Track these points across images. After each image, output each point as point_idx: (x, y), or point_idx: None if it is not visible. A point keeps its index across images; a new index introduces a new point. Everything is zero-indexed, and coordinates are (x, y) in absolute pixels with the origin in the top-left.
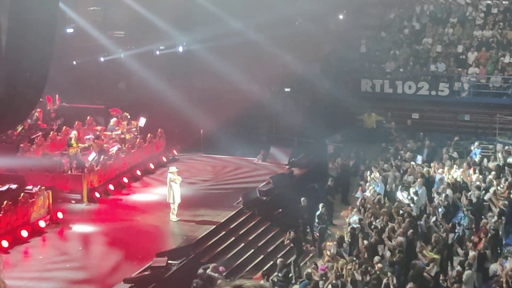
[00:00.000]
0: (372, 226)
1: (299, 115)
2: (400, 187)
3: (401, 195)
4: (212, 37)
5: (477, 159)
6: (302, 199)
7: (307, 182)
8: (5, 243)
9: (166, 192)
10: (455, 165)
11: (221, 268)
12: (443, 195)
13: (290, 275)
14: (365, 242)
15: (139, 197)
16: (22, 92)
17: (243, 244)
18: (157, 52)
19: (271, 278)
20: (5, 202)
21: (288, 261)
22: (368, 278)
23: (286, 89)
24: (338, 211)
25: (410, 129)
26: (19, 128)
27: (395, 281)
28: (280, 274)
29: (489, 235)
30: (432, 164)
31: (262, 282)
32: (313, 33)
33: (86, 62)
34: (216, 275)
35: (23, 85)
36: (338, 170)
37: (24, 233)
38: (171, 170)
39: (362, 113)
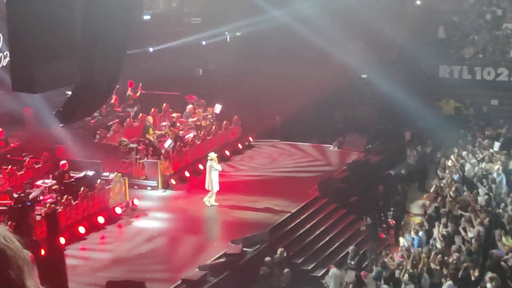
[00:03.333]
0: (450, 215)
1: (376, 102)
2: (478, 175)
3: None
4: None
5: None
6: (379, 186)
7: (383, 170)
8: (82, 229)
9: (207, 178)
10: None
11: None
12: None
13: (366, 262)
14: (443, 231)
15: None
16: (98, 80)
17: (318, 232)
18: (238, 33)
19: (344, 267)
20: (82, 188)
21: (363, 249)
22: (445, 268)
23: (363, 76)
24: (415, 199)
25: (489, 116)
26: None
27: (476, 273)
28: (352, 262)
29: None
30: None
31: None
32: (390, 19)
33: (162, 49)
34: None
35: (98, 73)
36: (416, 157)
37: (101, 220)
38: (211, 156)
39: (440, 99)
